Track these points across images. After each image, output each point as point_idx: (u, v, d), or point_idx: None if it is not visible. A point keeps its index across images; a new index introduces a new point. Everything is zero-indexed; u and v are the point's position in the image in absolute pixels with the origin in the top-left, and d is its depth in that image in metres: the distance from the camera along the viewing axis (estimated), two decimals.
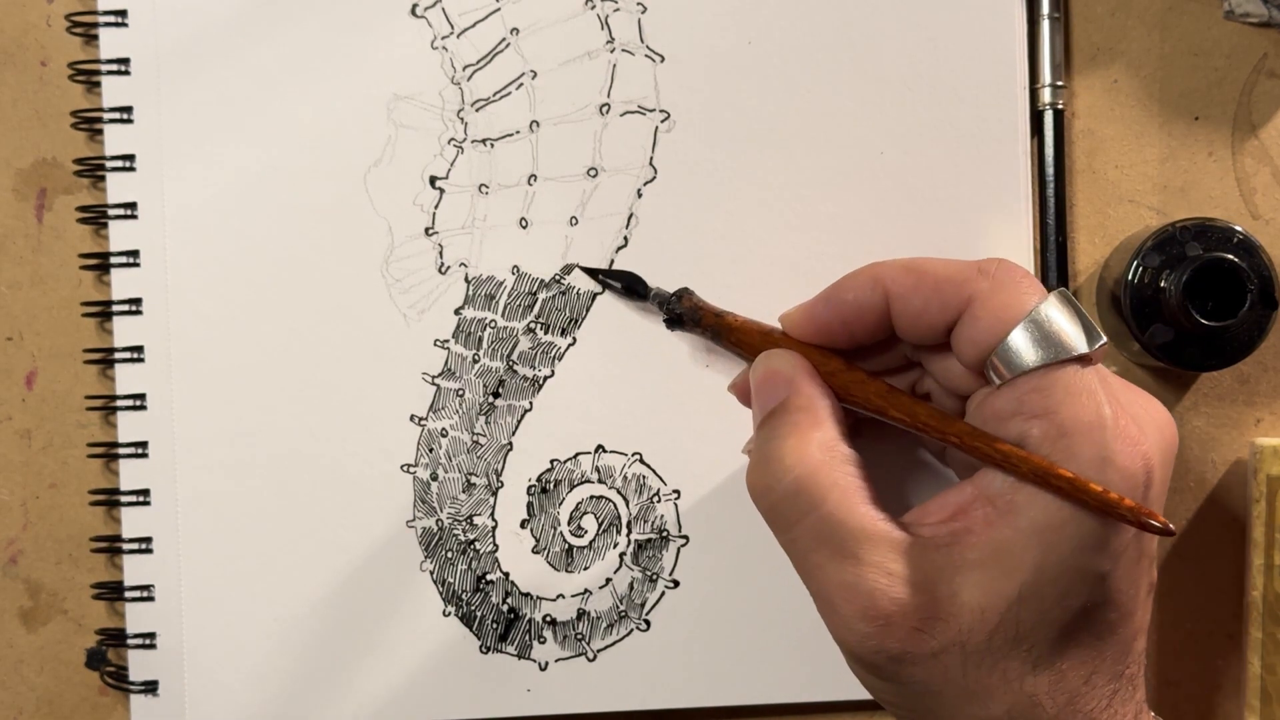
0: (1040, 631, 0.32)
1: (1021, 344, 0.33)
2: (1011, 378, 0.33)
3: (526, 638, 0.44)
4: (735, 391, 0.40)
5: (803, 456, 0.34)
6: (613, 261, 0.44)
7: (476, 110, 0.44)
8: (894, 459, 0.41)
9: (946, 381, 0.37)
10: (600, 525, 0.44)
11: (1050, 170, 0.43)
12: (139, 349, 0.44)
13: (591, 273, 0.43)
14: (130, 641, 0.44)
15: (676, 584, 0.44)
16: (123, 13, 0.44)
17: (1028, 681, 0.33)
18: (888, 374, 0.39)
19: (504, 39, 0.44)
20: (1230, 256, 0.39)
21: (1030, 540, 0.32)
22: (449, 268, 0.44)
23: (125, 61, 0.44)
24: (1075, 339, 0.33)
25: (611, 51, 0.44)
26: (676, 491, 0.44)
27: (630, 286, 0.43)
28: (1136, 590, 0.34)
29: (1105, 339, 0.34)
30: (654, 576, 0.44)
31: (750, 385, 0.38)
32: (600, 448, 0.44)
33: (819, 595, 0.34)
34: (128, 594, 0.44)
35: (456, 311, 0.44)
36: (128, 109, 0.44)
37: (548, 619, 0.44)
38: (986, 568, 0.32)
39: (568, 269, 0.43)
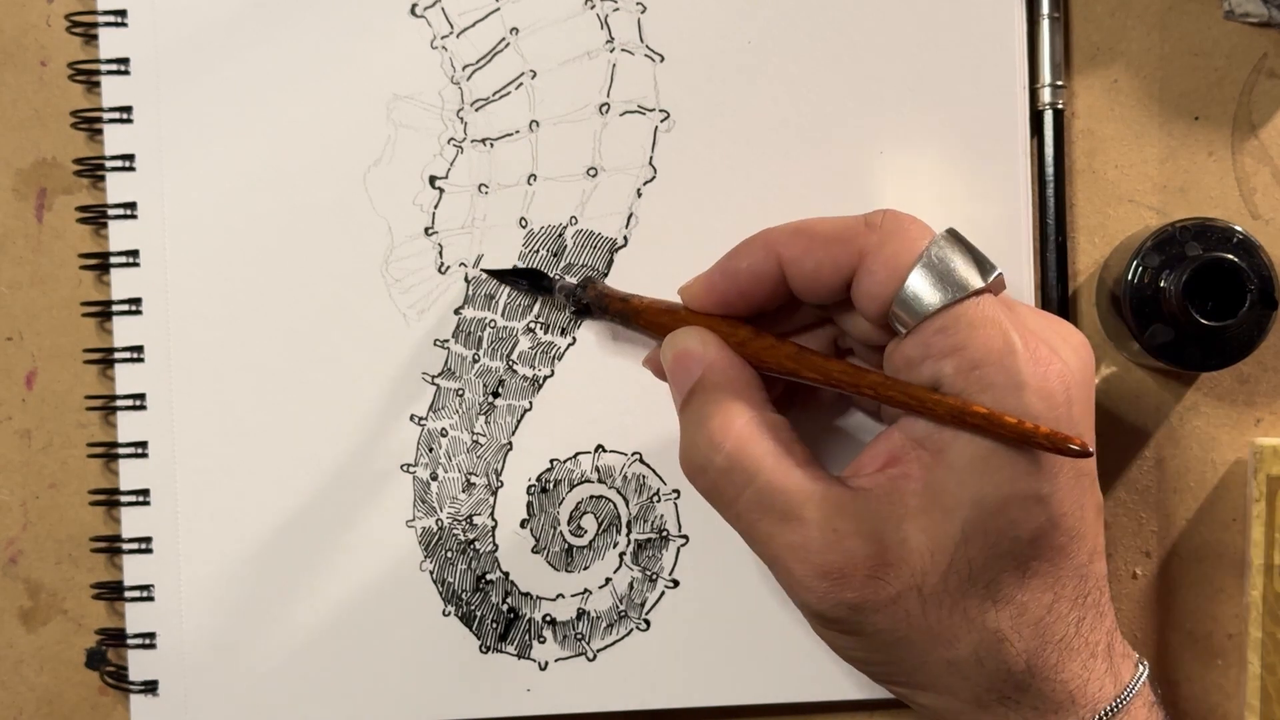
0: (993, 566, 0.33)
1: (919, 289, 0.33)
2: (915, 324, 0.33)
3: (526, 637, 0.44)
4: (650, 366, 0.40)
5: (730, 432, 0.34)
6: (611, 262, 0.44)
7: (476, 110, 0.44)
8: (831, 422, 0.41)
9: (859, 337, 0.37)
10: (600, 525, 0.44)
11: (1050, 170, 0.43)
12: (139, 349, 0.44)
13: (494, 274, 0.43)
14: (130, 641, 0.44)
15: (676, 584, 0.44)
16: (123, 13, 0.44)
17: (989, 618, 0.33)
18: (805, 332, 0.38)
19: (504, 39, 0.44)
20: (1230, 256, 0.39)
21: (965, 476, 0.32)
22: (449, 267, 0.44)
23: (125, 61, 0.44)
24: (970, 275, 0.33)
25: (611, 51, 0.44)
26: (676, 491, 0.44)
27: (534, 283, 0.43)
28: (1082, 510, 0.33)
29: (999, 270, 0.34)
30: (654, 576, 0.44)
31: (663, 366, 0.38)
32: (600, 448, 0.44)
33: (773, 562, 0.34)
34: (128, 594, 0.44)
35: (456, 311, 0.44)
36: (128, 109, 0.44)
37: (547, 619, 0.44)
38: (929, 511, 0.33)
39: (519, 271, 0.43)
